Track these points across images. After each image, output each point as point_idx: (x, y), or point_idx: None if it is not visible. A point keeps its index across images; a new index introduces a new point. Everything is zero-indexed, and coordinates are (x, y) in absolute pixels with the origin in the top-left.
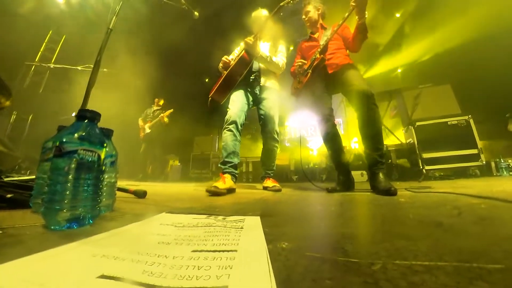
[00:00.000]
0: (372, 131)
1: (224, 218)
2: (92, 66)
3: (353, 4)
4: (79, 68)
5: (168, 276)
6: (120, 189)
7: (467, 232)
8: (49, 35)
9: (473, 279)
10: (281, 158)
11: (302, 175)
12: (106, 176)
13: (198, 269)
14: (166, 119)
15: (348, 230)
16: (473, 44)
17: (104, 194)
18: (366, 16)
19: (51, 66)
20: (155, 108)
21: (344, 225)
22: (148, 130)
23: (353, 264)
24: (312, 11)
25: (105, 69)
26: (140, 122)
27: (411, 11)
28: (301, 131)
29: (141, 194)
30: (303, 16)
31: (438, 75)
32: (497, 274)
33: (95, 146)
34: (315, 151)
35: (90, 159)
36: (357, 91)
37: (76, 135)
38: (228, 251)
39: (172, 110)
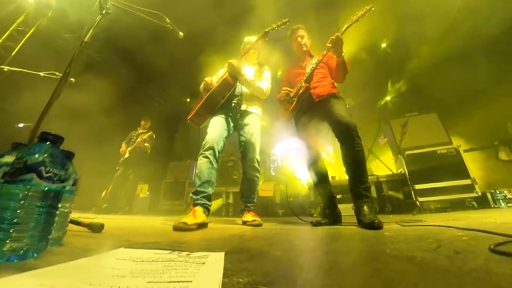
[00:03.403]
0: (355, 164)
1: (188, 254)
2: (57, 73)
3: (329, 45)
4: (41, 74)
5: None
6: (72, 222)
7: (434, 267)
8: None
9: None
10: (266, 189)
11: (288, 209)
12: (60, 205)
13: None
14: (146, 144)
15: (313, 263)
16: (458, 70)
17: (55, 225)
18: (344, 54)
19: (5, 69)
20: (140, 131)
21: (313, 259)
22: (127, 155)
23: None
24: (306, 36)
25: (72, 79)
26: (123, 147)
27: (396, 39)
28: (288, 160)
29: (97, 228)
30: (299, 39)
31: (426, 103)
32: None
33: (55, 172)
34: (304, 181)
35: (46, 188)
36: (340, 122)
37: (36, 157)
38: (183, 281)
39: (151, 133)
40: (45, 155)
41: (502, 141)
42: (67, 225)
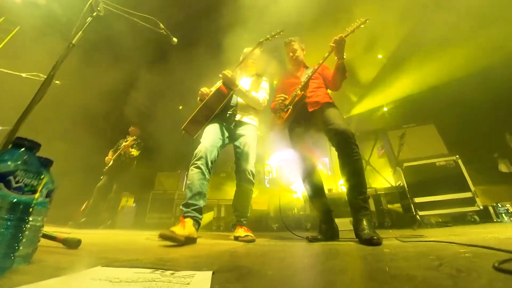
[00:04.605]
0: (353, 174)
1: (172, 273)
2: (40, 75)
3: (332, 45)
4: (23, 75)
5: None
6: (45, 236)
7: (436, 287)
8: None
9: None
10: (259, 202)
11: (283, 223)
12: (31, 219)
13: None
14: (131, 150)
15: (307, 284)
16: (455, 83)
17: (24, 240)
18: (345, 56)
19: None
20: (129, 139)
21: (306, 279)
22: (111, 163)
23: None
24: (299, 50)
25: (57, 81)
26: (109, 155)
27: (393, 51)
28: (283, 171)
29: (73, 244)
30: (290, 54)
31: (424, 114)
32: None
33: (26, 182)
34: (299, 194)
35: (15, 199)
36: (337, 130)
37: (6, 165)
38: None
39: (134, 137)
40: (18, 163)
41: (501, 153)
42: (39, 241)
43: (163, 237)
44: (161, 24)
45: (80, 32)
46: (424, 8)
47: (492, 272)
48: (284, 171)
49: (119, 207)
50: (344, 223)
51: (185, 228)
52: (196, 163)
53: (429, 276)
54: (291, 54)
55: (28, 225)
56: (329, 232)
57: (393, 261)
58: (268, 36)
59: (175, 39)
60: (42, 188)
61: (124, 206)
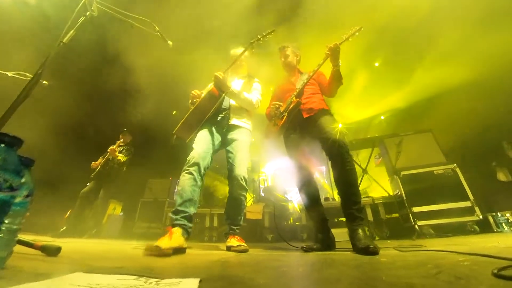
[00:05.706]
0: (346, 184)
1: (157, 281)
2: (27, 74)
3: (328, 52)
4: (8, 74)
5: None
6: (21, 243)
7: None
8: None
9: None
10: (254, 211)
11: (278, 233)
12: (7, 221)
13: None
14: (118, 155)
15: None
16: (453, 91)
17: None
18: (340, 63)
19: None
20: (119, 144)
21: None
22: (98, 168)
23: None
24: (291, 55)
25: (45, 82)
26: (98, 161)
27: (390, 59)
28: (279, 180)
29: (52, 251)
30: (282, 59)
31: (421, 122)
32: None
33: (5, 178)
34: (295, 203)
35: None
36: (329, 139)
37: None
38: None
39: (121, 140)
40: None
41: (499, 161)
42: (14, 245)
43: (148, 253)
44: (156, 27)
45: (72, 31)
46: (422, 17)
47: (491, 279)
48: (280, 180)
49: (105, 215)
50: (341, 234)
51: (172, 239)
52: (189, 169)
53: (428, 284)
54: (283, 59)
55: (4, 227)
56: (325, 242)
57: (391, 269)
58: (259, 37)
59: (170, 42)
60: (22, 187)
61: (111, 214)
